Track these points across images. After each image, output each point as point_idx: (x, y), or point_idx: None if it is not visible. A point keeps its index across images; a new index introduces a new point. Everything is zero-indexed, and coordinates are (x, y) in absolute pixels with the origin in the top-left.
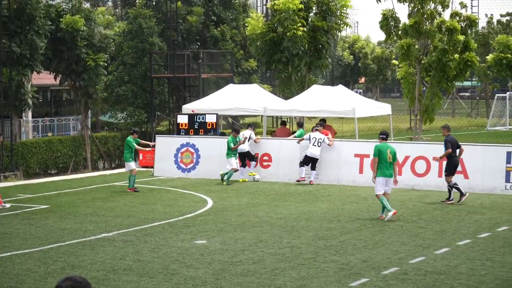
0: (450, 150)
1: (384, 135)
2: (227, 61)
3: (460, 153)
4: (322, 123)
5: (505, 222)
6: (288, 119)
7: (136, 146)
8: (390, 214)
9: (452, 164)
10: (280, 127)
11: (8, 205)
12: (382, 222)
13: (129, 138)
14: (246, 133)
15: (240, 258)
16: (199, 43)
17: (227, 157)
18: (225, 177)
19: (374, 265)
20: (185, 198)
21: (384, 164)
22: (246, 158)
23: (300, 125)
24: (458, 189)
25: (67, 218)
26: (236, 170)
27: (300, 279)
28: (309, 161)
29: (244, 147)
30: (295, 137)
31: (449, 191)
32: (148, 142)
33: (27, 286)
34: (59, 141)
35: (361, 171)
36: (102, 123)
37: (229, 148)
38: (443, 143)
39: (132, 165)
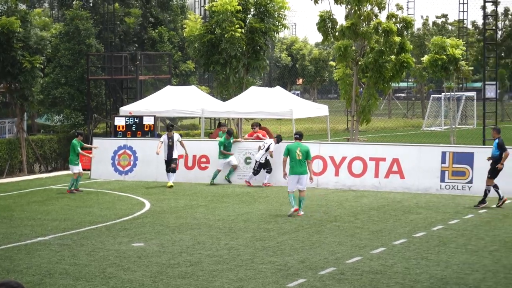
0: (508, 152)
1: (297, 135)
2: (165, 63)
3: (505, 158)
4: (258, 124)
5: (440, 221)
6: (226, 120)
7: (80, 150)
8: (292, 210)
9: (497, 168)
10: (217, 128)
11: None
12: (320, 223)
13: (74, 141)
14: (163, 138)
15: (177, 260)
16: (136, 45)
17: (219, 157)
18: (227, 176)
19: (311, 266)
20: (123, 201)
21: (294, 162)
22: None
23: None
24: (497, 192)
25: (2, 222)
26: (235, 168)
27: (237, 280)
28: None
29: (174, 153)
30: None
31: (485, 194)
32: (91, 146)
33: None
34: None
35: None
36: (38, 126)
37: (219, 150)
38: (495, 146)
39: (75, 168)
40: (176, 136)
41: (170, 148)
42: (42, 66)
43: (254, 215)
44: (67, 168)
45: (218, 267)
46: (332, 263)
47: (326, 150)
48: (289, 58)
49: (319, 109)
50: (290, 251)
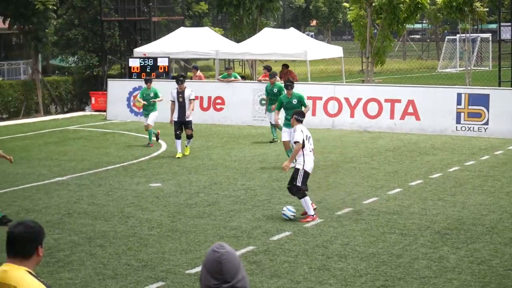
0: None
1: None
2: (178, 4)
3: None
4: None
5: (456, 162)
6: (240, 62)
7: (138, 98)
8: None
9: None
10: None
11: None
12: (336, 164)
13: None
14: (173, 95)
15: (195, 200)
16: None
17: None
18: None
19: (328, 206)
20: (139, 142)
21: None
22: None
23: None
24: None
25: (20, 162)
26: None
27: (255, 220)
28: None
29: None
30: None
31: None
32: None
33: None
34: (10, 85)
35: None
36: (53, 67)
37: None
38: None
39: (146, 119)
40: (187, 91)
41: (182, 106)
42: (55, 7)
43: (270, 156)
44: (83, 109)
45: (235, 207)
46: (348, 203)
47: (341, 91)
48: None
49: (334, 51)
50: (309, 192)
